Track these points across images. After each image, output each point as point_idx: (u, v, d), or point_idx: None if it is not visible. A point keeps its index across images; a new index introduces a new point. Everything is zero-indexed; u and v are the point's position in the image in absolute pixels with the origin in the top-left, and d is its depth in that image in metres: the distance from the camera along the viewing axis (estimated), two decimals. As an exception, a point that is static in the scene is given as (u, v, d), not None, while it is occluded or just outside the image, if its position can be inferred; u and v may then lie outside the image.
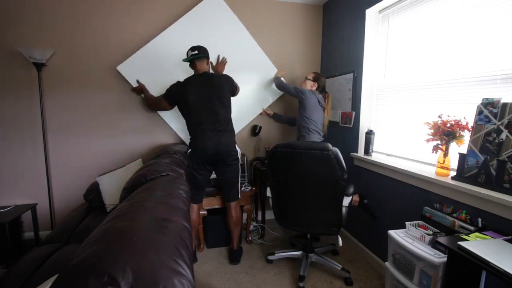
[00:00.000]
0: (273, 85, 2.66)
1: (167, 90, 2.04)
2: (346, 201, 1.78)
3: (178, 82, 2.00)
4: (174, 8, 2.51)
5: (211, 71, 2.06)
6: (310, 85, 2.34)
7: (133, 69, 2.43)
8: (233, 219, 2.16)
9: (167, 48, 2.47)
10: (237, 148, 2.10)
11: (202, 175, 2.04)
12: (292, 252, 2.12)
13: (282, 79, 2.63)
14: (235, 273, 2.03)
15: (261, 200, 2.75)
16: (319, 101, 2.28)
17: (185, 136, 2.63)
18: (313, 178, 1.73)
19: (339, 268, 1.92)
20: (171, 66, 2.50)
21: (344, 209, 1.78)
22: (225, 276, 2.00)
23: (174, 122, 2.60)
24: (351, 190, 1.82)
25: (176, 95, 1.99)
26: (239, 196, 2.22)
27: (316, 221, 1.84)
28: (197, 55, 1.95)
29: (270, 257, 2.13)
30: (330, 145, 1.64)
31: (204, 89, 1.93)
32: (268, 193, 2.01)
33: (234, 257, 2.16)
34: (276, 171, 1.86)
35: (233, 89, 2.10)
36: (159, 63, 2.47)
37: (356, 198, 2.07)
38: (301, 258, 2.04)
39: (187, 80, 1.98)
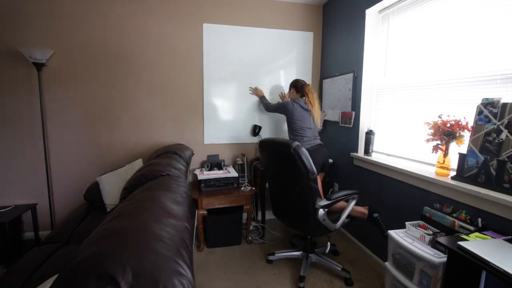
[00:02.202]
0: (264, 110, 2.68)
1: None
2: (322, 203, 1.70)
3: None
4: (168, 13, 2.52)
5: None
6: (293, 94, 2.38)
7: (210, 135, 2.78)
8: None
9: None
10: None
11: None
12: (292, 252, 2.12)
13: (267, 99, 2.70)
14: (235, 273, 2.03)
15: (261, 200, 2.75)
16: (302, 107, 2.24)
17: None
18: (285, 174, 1.83)
19: (339, 269, 1.92)
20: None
21: (321, 212, 1.69)
22: (225, 276, 2.00)
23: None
24: (337, 195, 1.71)
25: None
26: None
27: (296, 220, 1.90)
28: None
29: (270, 257, 2.13)
30: (294, 143, 1.68)
31: None
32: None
33: None
34: (263, 163, 2.03)
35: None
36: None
37: (364, 210, 1.92)
38: (301, 258, 2.04)
39: None
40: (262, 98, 2.70)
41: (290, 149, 1.67)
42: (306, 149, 2.06)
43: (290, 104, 2.26)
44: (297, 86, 2.35)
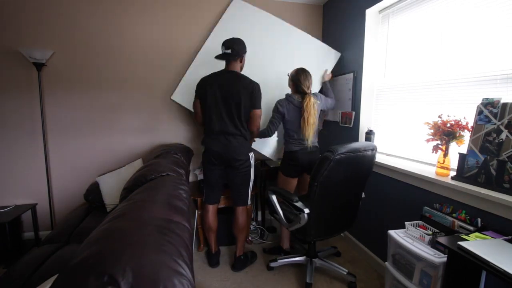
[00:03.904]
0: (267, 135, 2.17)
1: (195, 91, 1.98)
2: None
3: (201, 80, 1.93)
4: (168, 9, 2.52)
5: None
6: (290, 86, 2.10)
7: (185, 94, 2.37)
8: (238, 225, 2.05)
9: (211, 61, 2.18)
10: (250, 153, 1.99)
11: (213, 174, 1.98)
12: (296, 258, 2.03)
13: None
14: (235, 273, 2.03)
15: (261, 200, 2.75)
16: (294, 105, 2.00)
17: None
18: (358, 177, 1.73)
19: (345, 273, 1.89)
20: None
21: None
22: (225, 276, 2.00)
23: None
24: None
25: (198, 94, 1.93)
26: (249, 202, 2.09)
27: (347, 220, 1.87)
28: (230, 55, 1.85)
29: (272, 264, 2.05)
30: (372, 143, 1.74)
31: (224, 90, 1.84)
32: (303, 218, 1.63)
33: (236, 265, 2.07)
34: (332, 180, 1.60)
35: (253, 101, 1.88)
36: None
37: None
38: (305, 264, 1.99)
39: (208, 77, 1.91)
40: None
41: (376, 150, 1.71)
42: (296, 150, 2.03)
43: (277, 109, 2.03)
44: (298, 89, 2.01)
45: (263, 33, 2.48)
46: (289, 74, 2.11)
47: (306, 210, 1.62)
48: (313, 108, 1.96)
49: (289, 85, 2.12)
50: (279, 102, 2.05)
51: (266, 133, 2.11)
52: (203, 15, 2.57)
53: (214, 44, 2.38)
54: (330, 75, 2.49)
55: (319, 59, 2.53)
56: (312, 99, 1.97)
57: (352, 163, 1.62)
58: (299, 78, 2.01)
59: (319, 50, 2.54)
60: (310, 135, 1.98)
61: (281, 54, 2.51)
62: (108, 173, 2.35)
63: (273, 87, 2.47)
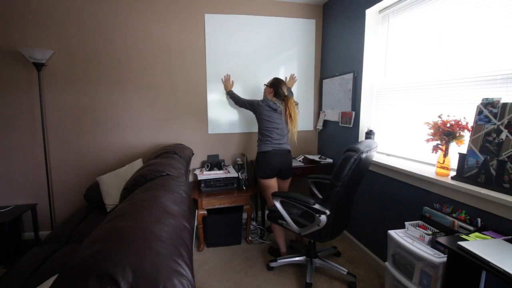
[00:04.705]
0: (234, 103, 2.59)
1: None
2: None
3: None
4: (170, 14, 2.52)
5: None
6: (268, 92, 2.23)
7: None
8: None
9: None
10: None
11: None
12: (296, 258, 2.03)
13: (234, 91, 2.61)
14: (235, 273, 2.03)
15: (261, 200, 2.75)
16: (270, 106, 2.13)
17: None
18: (361, 174, 1.74)
19: (345, 273, 1.89)
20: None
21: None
22: (225, 276, 2.00)
23: None
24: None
25: None
26: None
27: (346, 222, 1.90)
28: None
29: (272, 264, 2.05)
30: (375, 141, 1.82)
31: None
32: (322, 221, 1.62)
33: None
34: (351, 179, 1.62)
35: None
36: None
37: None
38: (305, 264, 1.99)
39: None
40: (230, 92, 2.60)
41: (377, 147, 1.75)
42: (269, 151, 2.13)
43: (257, 103, 2.19)
44: (278, 91, 2.17)
45: (246, 33, 2.71)
46: (266, 84, 2.29)
47: (327, 212, 1.60)
48: (294, 106, 2.15)
49: (266, 93, 2.29)
50: (255, 101, 2.24)
51: (236, 99, 2.48)
52: (197, 18, 2.57)
53: (212, 63, 2.66)
54: (294, 80, 2.81)
55: (301, 33, 2.86)
56: (292, 99, 2.15)
57: (364, 161, 1.64)
58: (278, 82, 2.19)
59: (295, 25, 2.84)
60: (295, 131, 2.14)
61: (269, 43, 2.79)
62: (108, 173, 2.35)
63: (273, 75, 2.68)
